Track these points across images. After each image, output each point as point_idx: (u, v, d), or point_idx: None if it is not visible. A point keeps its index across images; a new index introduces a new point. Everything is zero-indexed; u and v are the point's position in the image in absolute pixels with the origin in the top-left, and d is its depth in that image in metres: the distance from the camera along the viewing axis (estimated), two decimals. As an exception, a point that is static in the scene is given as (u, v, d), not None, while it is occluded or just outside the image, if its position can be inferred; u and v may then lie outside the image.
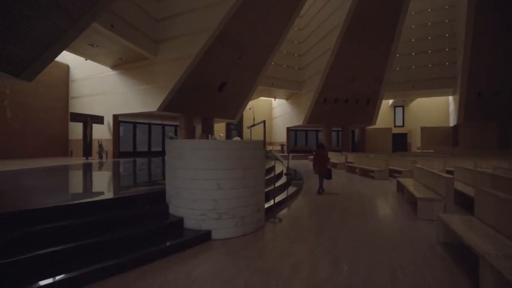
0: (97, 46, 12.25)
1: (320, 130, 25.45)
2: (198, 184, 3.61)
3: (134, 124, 19.99)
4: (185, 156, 3.69)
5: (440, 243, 3.52)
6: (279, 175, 8.18)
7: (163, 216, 3.79)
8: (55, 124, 16.52)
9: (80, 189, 4.98)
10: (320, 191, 7.12)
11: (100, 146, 14.99)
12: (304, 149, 25.01)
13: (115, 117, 15.75)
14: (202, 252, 3.19)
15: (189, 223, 3.65)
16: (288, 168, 9.37)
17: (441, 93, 22.79)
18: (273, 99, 25.90)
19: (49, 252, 2.57)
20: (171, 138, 6.77)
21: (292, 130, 25.76)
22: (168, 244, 3.20)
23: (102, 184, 5.53)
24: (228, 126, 25.65)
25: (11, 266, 2.34)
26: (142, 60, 13.90)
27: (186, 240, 3.36)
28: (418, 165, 7.09)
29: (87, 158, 13.97)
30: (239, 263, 2.91)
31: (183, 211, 3.69)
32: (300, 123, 21.47)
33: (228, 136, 25.56)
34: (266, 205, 4.68)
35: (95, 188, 5.02)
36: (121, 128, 18.89)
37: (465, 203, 5.56)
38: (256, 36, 14.15)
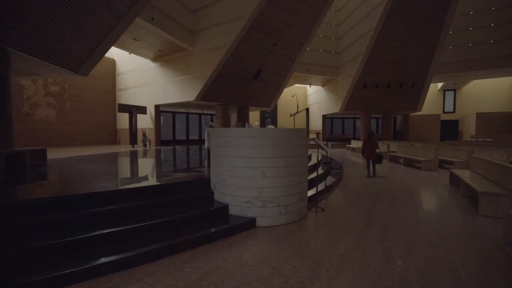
0: (139, 40, 12.89)
1: (358, 118, 24.20)
2: (243, 172, 3.66)
3: (173, 113, 20.99)
4: (230, 144, 3.76)
5: (509, 243, 3.15)
6: (318, 163, 8.00)
7: (208, 202, 3.94)
8: (105, 115, 18.01)
9: (131, 175, 5.38)
10: (371, 174, 7.88)
11: (144, 134, 16.06)
12: (341, 138, 24.08)
13: (157, 107, 16.64)
14: (248, 239, 3.27)
15: (233, 210, 3.75)
16: (327, 157, 9.12)
17: (503, 73, 19.98)
18: (308, 86, 25.13)
19: (105, 233, 2.83)
20: (211, 126, 6.97)
21: (328, 117, 24.88)
22: (215, 229, 3.33)
23: (150, 170, 5.92)
24: (262, 114, 25.64)
25: (67, 246, 2.62)
26: (180, 51, 14.34)
27: (232, 226, 3.46)
28: (476, 155, 6.37)
29: (133, 146, 15.09)
30: (285, 251, 2.93)
31: (228, 198, 3.80)
32: (337, 110, 20.59)
33: (263, 124, 25.60)
34: (308, 194, 4.61)
35: (144, 174, 5.38)
36: (161, 118, 20.00)
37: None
38: (292, 21, 13.66)
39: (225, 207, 3.79)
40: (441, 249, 3.00)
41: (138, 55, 15.59)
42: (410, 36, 16.36)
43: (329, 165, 8.48)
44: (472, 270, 2.55)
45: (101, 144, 17.41)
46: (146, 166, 6.74)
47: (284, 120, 25.68)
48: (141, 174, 5.43)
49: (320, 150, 9.32)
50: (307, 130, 4.08)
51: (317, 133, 23.06)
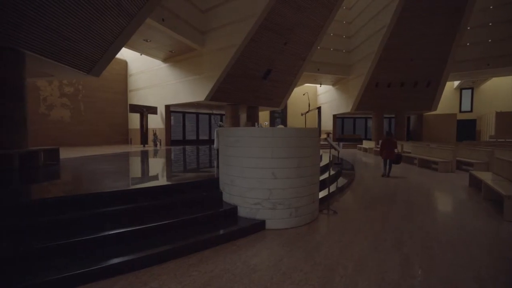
0: (150, 40, 13.01)
1: (370, 118, 23.68)
2: (253, 173, 3.55)
3: (183, 114, 21.16)
4: (239, 144, 3.66)
5: (540, 250, 2.91)
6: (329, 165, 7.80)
7: (217, 203, 3.86)
8: (117, 115, 18.32)
9: (138, 175, 5.37)
10: (387, 174, 7.78)
11: (155, 134, 16.22)
12: (352, 138, 23.62)
13: (167, 107, 16.77)
14: (257, 242, 3.16)
15: (242, 212, 3.65)
16: (338, 158, 8.90)
17: (525, 71, 19.07)
18: (318, 85, 24.79)
19: (112, 234, 2.78)
20: (220, 126, 6.90)
21: (339, 117, 24.48)
22: (224, 231, 3.24)
23: (158, 170, 5.90)
24: (272, 114, 25.49)
25: (73, 247, 2.58)
26: (190, 52, 14.40)
27: (240, 228, 3.36)
28: (499, 156, 6.03)
29: (144, 146, 15.26)
30: (296, 255, 2.80)
31: (237, 200, 3.70)
32: (348, 110, 20.20)
33: (272, 124, 25.46)
34: (320, 196, 4.46)
35: (152, 174, 5.36)
36: (172, 118, 20.18)
37: None
38: (302, 19, 13.47)
39: (234, 208, 3.69)
40: (464, 256, 2.80)
41: (149, 56, 15.77)
42: (425, 32, 15.85)
43: (340, 165, 8.26)
44: (501, 280, 2.35)
45: (113, 144, 17.71)
46: (154, 166, 6.74)
47: (294, 120, 25.43)
48: (149, 174, 5.41)
49: (332, 150, 9.11)
50: (318, 129, 3.94)
51: (328, 133, 22.68)
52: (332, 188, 5.67)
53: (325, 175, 6.19)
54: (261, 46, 13.42)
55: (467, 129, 23.10)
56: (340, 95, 21.85)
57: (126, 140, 18.77)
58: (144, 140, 15.62)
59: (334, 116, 23.47)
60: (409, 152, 12.08)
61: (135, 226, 2.93)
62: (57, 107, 15.16)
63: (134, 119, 17.73)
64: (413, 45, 16.38)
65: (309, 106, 4.79)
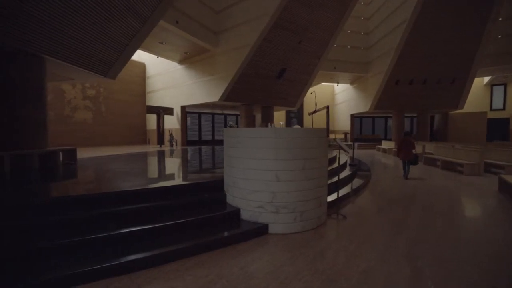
0: (165, 43, 13.27)
1: (390, 117, 22.73)
2: (256, 175, 3.44)
3: (199, 114, 21.45)
4: (242, 145, 3.56)
5: None
6: (343, 166, 7.53)
7: (221, 205, 3.78)
8: (136, 116, 18.91)
9: (146, 175, 5.42)
10: (406, 176, 7.53)
11: (171, 135, 16.55)
12: (371, 138, 22.79)
13: (183, 108, 17.07)
14: (258, 247, 3.04)
15: (245, 215, 3.55)
16: (353, 159, 8.57)
17: None
18: (335, 84, 24.18)
19: (112, 235, 2.78)
20: (230, 126, 6.84)
21: (357, 117, 23.71)
22: (225, 234, 3.15)
23: (166, 171, 5.94)
24: (287, 114, 25.20)
25: (86, 244, 2.60)
26: (204, 53, 14.54)
27: (242, 232, 3.26)
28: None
29: (160, 146, 15.62)
30: (297, 262, 2.65)
31: (240, 202, 3.60)
32: (366, 109, 19.48)
33: (288, 124, 25.18)
34: (329, 199, 4.26)
35: (160, 175, 5.39)
36: (188, 119, 20.52)
37: None
38: (317, 16, 13.15)
39: (237, 211, 3.60)
40: (490, 274, 2.51)
41: (166, 58, 16.12)
42: (449, 25, 14.90)
43: (355, 167, 7.93)
44: (528, 301, 2.06)
45: (132, 144, 18.29)
46: (164, 166, 6.80)
47: (310, 119, 24.98)
48: (156, 174, 5.45)
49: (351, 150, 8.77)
50: (327, 129, 3.74)
51: (345, 133, 22.08)
52: (346, 190, 5.43)
53: (337, 178, 5.96)
54: (275, 45, 13.26)
55: (498, 129, 21.51)
56: (358, 93, 21.15)
57: (144, 140, 19.33)
58: (160, 141, 15.99)
59: (352, 116, 22.76)
60: (431, 153, 11.40)
61: (135, 227, 2.92)
62: (81, 109, 15.88)
63: (152, 120, 18.21)
64: (436, 40, 15.47)
65: (315, 105, 4.56)
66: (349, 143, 18.92)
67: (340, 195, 4.97)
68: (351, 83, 22.08)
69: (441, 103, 18.37)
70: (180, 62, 16.35)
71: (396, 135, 18.76)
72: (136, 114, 18.90)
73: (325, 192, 3.84)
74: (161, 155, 9.39)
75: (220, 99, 14.25)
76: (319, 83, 22.75)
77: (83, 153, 9.63)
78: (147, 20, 7.97)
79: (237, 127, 7.46)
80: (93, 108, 16.44)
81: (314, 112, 4.53)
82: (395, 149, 14.70)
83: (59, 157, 6.31)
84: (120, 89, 17.73)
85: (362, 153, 15.85)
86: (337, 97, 25.13)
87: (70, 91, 15.40)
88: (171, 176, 5.07)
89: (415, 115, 20.57)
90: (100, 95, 16.83)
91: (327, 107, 3.76)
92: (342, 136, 22.27)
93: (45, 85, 6.63)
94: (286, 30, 12.89)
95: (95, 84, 16.43)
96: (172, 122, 17.36)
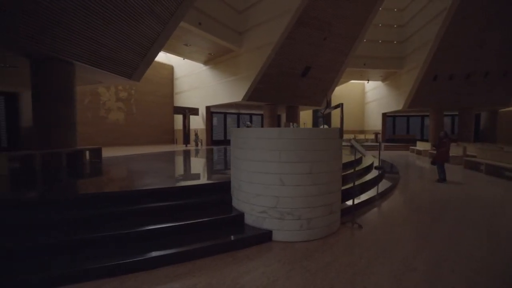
0: (190, 45, 13.57)
1: (427, 115, 20.95)
2: (259, 178, 3.25)
3: (225, 114, 21.70)
4: (246, 146, 3.39)
5: None
6: (367, 169, 7.00)
7: (226, 209, 3.65)
8: (164, 117, 19.67)
9: (159, 176, 5.48)
10: (441, 179, 7.00)
11: (196, 135, 16.94)
12: (405, 138, 21.22)
13: (208, 108, 17.36)
14: (258, 255, 2.84)
15: (249, 219, 3.37)
16: (379, 161, 7.95)
17: None
18: (365, 82, 22.92)
19: (109, 235, 2.77)
20: (247, 126, 6.71)
21: (389, 116, 22.23)
22: (225, 240, 3.01)
23: (181, 171, 5.97)
24: (315, 113, 24.48)
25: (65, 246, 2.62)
26: (228, 53, 14.61)
27: (244, 238, 3.09)
28: None
29: (186, 146, 16.05)
30: (295, 277, 2.41)
31: (244, 206, 3.43)
32: (400, 107, 18.13)
33: (315, 124, 24.47)
34: (348, 204, 3.92)
35: (172, 175, 5.42)
36: (215, 119, 20.88)
37: None
38: (343, 11, 12.49)
39: (241, 215, 3.44)
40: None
41: (191, 60, 16.52)
42: (500, 10, 13.22)
43: (382, 169, 7.33)
44: None
45: (160, 143, 19.06)
46: (180, 166, 6.87)
47: (340, 119, 24.02)
48: (169, 175, 5.49)
49: (377, 153, 8.13)
50: (340, 129, 3.39)
51: (376, 133, 20.81)
52: (368, 195, 5.00)
53: (363, 179, 5.52)
54: (299, 43, 12.87)
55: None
56: (391, 91, 19.78)
57: (172, 140, 20.04)
58: (186, 140, 16.43)
59: (384, 115, 21.38)
60: (474, 156, 10.21)
61: (134, 228, 2.90)
62: (114, 110, 16.91)
63: (179, 120, 18.80)
64: (482, 28, 13.84)
65: (326, 103, 4.19)
66: (372, 144, 17.72)
67: (360, 200, 4.59)
68: (383, 80, 20.75)
69: (488, 100, 16.46)
70: (205, 63, 16.64)
71: (433, 135, 17.23)
72: (164, 114, 19.66)
73: (337, 198, 3.52)
74: (182, 155, 9.57)
75: (243, 99, 14.22)
76: (347, 81, 21.74)
77: (112, 152, 10.19)
78: (168, 22, 8.14)
79: (252, 126, 7.30)
80: (125, 109, 17.41)
81: (325, 110, 4.19)
82: (432, 151, 13.46)
83: (85, 155, 6.69)
84: (149, 91, 18.57)
85: (392, 155, 14.77)
86: (368, 95, 23.80)
87: (105, 93, 16.47)
88: (181, 177, 5.06)
89: (456, 113, 18.70)
90: (131, 97, 17.78)
91: (341, 105, 3.41)
92: (373, 136, 21.04)
93: (74, 88, 7.07)
94: (309, 27, 12.44)
95: (127, 86, 17.38)
96: (197, 122, 17.77)
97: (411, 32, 16.96)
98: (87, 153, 7.06)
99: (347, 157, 7.26)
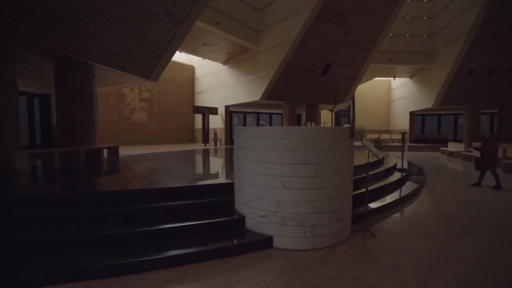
0: (208, 45, 13.64)
1: (460, 114, 19.34)
2: (260, 180, 3.06)
3: (244, 114, 21.68)
4: (248, 146, 3.21)
5: None
6: (388, 171, 6.50)
7: (228, 211, 3.49)
8: (185, 116, 20.07)
9: (167, 175, 5.46)
10: (478, 182, 6.35)
11: (215, 134, 17.06)
12: (436, 139, 19.77)
13: (227, 107, 17.42)
14: (254, 263, 2.65)
15: (250, 223, 3.19)
16: (402, 162, 7.37)
17: None
18: (392, 79, 21.69)
19: (104, 235, 2.73)
20: (261, 125, 6.52)
21: (417, 114, 20.84)
22: (223, 245, 2.85)
23: (189, 171, 5.92)
24: (337, 112, 23.68)
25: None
26: (247, 52, 14.51)
27: (243, 243, 2.93)
28: None
29: (205, 145, 16.22)
30: (293, 290, 2.19)
31: (245, 209, 3.26)
32: (429, 105, 16.89)
33: (338, 123, 23.68)
34: (359, 210, 3.60)
35: (178, 175, 5.38)
36: (235, 118, 20.94)
37: None
38: (365, 4, 11.84)
39: (242, 219, 3.27)
40: None
41: (211, 60, 16.65)
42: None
43: (407, 172, 6.77)
44: None
45: (181, 142, 19.47)
46: (191, 165, 6.84)
47: (363, 118, 23.03)
48: (176, 174, 5.45)
49: (402, 153, 7.54)
50: (352, 128, 3.09)
51: (403, 133, 19.56)
52: (388, 200, 4.60)
53: (379, 183, 5.12)
54: (318, 39, 12.41)
55: None
56: (420, 88, 18.51)
57: (193, 139, 20.41)
58: (205, 139, 16.61)
59: (412, 113, 20.07)
60: (516, 159, 9.15)
61: (126, 229, 2.84)
62: (137, 110, 17.56)
63: (199, 120, 19.06)
64: (527, 17, 12.41)
65: (335, 101, 3.84)
66: (403, 144, 16.61)
67: (377, 206, 4.22)
68: (411, 76, 19.48)
69: (534, 96, 14.78)
70: (224, 62, 16.69)
71: (468, 135, 15.84)
72: (185, 114, 20.05)
73: (346, 203, 3.22)
74: (198, 154, 9.62)
75: (261, 98, 14.05)
76: (371, 78, 20.73)
77: (134, 151, 10.52)
78: (183, 22, 8.18)
79: (267, 125, 7.09)
80: (147, 109, 18.00)
81: (334, 108, 3.88)
82: (465, 152, 12.34)
83: (102, 154, 6.90)
84: (171, 91, 19.03)
85: (420, 156, 13.77)
86: (394, 93, 22.52)
87: (129, 94, 17.14)
88: (187, 177, 4.99)
89: (496, 111, 17.05)
90: (154, 97, 18.34)
91: (352, 101, 3.10)
92: (399, 136, 19.83)
93: (94, 89, 7.34)
94: (329, 22, 11.93)
95: (150, 87, 17.95)
96: (217, 122, 17.90)
97: (443, 24, 15.70)
98: (105, 151, 7.29)
99: (366, 159, 6.84)
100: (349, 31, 12.53)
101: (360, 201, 3.95)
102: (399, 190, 5.49)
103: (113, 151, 7.43)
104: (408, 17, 16.50)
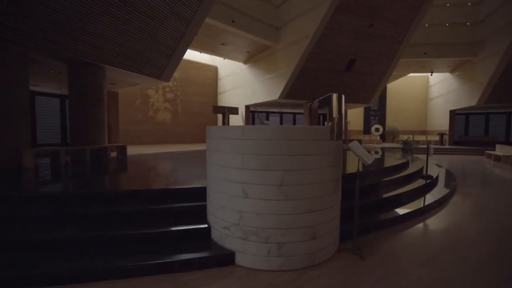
0: (226, 44, 13.53)
1: (514, 113, 16.83)
2: (223, 187, 2.68)
3: (267, 114, 21.32)
4: (212, 148, 2.86)
5: None
6: (410, 177, 5.67)
7: (200, 218, 3.17)
8: (208, 116, 20.26)
9: (166, 176, 5.29)
10: None
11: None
12: (483, 141, 17.45)
13: (247, 107, 17.22)
14: (205, 284, 2.28)
15: (214, 234, 2.84)
16: (427, 168, 6.40)
17: None
18: (429, 74, 19.67)
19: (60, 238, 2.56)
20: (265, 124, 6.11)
21: (459, 114, 18.60)
22: (184, 257, 2.52)
23: (185, 173, 5.73)
24: (366, 111, 22.20)
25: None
26: (266, 50, 14.15)
27: (204, 257, 2.57)
28: None
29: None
30: (230, 325, 1.78)
31: (211, 218, 2.91)
32: (473, 103, 14.92)
33: (367, 123, 22.24)
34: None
35: (168, 175, 5.19)
36: (257, 118, 20.66)
37: None
38: (394, -10, 10.76)
39: (207, 228, 2.92)
40: None
41: (231, 59, 16.58)
42: None
43: (428, 179, 5.85)
44: None
45: (204, 142, 19.71)
46: (191, 166, 6.65)
47: (396, 117, 21.27)
48: (167, 175, 5.27)
49: (438, 158, 6.52)
50: (339, 127, 2.50)
51: (441, 134, 17.66)
52: (403, 211, 3.92)
53: (397, 190, 4.42)
54: (340, 33, 11.59)
55: None
56: (461, 84, 16.47)
57: (214, 139, 20.57)
58: (224, 139, 16.57)
59: (452, 112, 17.95)
60: None
61: (89, 234, 2.67)
62: (161, 111, 18.14)
63: (221, 120, 19.16)
64: None
65: (313, 96, 3.32)
66: (442, 146, 14.80)
67: (382, 219, 3.60)
68: (451, 71, 17.43)
69: None
70: (245, 62, 16.51)
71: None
72: (208, 114, 20.22)
73: (329, 218, 2.70)
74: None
75: (280, 97, 13.60)
76: (404, 74, 19.01)
77: (150, 150, 10.76)
78: (191, 21, 8.08)
79: (270, 124, 6.63)
80: (171, 109, 18.51)
81: (312, 104, 3.33)
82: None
83: (108, 152, 7.06)
84: (194, 92, 19.37)
85: (460, 160, 12.13)
86: (432, 90, 20.41)
87: (154, 95, 17.77)
88: (171, 179, 4.78)
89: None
90: (177, 98, 18.81)
91: (339, 96, 2.55)
92: (437, 138, 17.90)
93: (104, 90, 7.55)
94: (352, 14, 11.06)
95: (174, 88, 18.45)
96: (238, 122, 17.79)
97: (491, 9, 13.72)
98: (115, 150, 7.46)
99: (395, 161, 6.07)
100: (375, 22, 11.50)
101: (365, 211, 3.38)
102: (419, 200, 4.71)
103: (121, 150, 7.57)
104: (448, 4, 14.74)
